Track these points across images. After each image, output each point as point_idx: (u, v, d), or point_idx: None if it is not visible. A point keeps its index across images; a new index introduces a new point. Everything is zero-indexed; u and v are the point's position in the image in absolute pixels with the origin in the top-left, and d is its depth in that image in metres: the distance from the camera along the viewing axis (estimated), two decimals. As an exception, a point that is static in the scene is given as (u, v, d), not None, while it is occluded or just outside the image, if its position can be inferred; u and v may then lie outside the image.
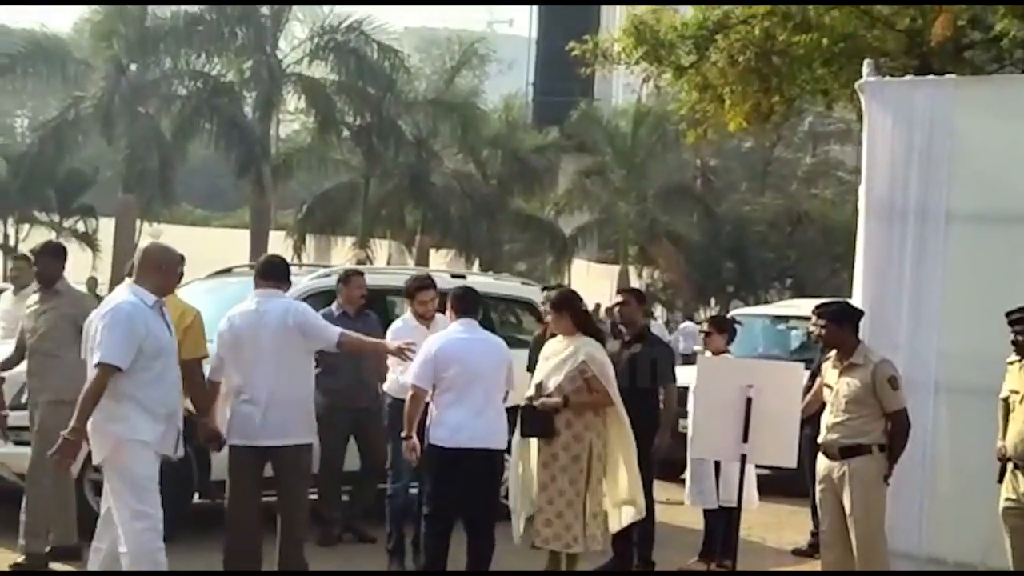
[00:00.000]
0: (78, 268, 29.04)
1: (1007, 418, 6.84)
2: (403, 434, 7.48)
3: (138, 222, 36.53)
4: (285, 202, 41.73)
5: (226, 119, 34.21)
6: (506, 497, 8.87)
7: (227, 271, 11.20)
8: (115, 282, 20.79)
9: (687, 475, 9.22)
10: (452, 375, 7.37)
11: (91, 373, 6.19)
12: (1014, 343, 6.70)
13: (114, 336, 6.18)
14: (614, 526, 8.02)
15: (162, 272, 6.63)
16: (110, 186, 37.76)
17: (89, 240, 37.85)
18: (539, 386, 7.83)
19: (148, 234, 37.93)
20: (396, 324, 8.84)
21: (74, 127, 34.24)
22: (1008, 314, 6.67)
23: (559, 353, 7.94)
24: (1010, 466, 6.69)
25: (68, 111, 34.50)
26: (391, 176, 36.42)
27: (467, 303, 7.76)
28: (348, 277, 9.46)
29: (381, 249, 37.41)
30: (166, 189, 35.39)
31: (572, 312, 8.01)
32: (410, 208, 37.25)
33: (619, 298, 9.17)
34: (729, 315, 13.69)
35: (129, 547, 6.20)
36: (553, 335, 8.23)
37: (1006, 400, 6.87)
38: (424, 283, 8.79)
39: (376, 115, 35.01)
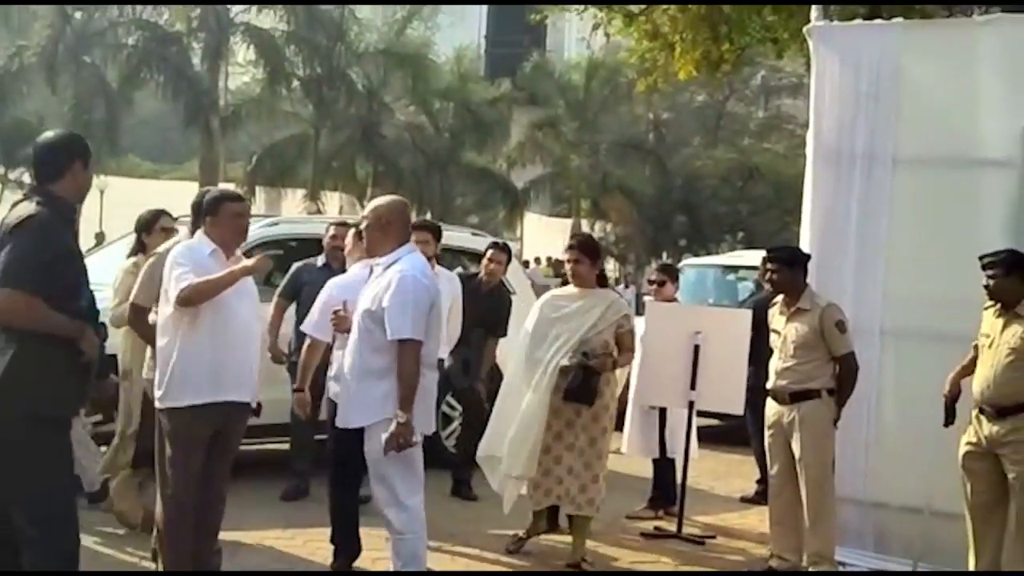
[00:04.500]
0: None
1: (974, 362, 6.76)
2: (294, 386, 7.09)
3: (85, 174, 36.07)
4: (234, 154, 41.44)
5: (173, 69, 33.94)
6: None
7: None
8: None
9: (626, 424, 9.06)
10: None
11: None
12: (985, 287, 6.61)
13: None
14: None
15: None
16: (56, 137, 37.26)
17: (35, 192, 37.38)
18: (584, 345, 7.28)
19: (95, 186, 37.47)
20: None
21: (18, 77, 33.84)
22: (981, 258, 6.59)
23: (572, 305, 7.46)
24: (974, 411, 6.62)
25: (11, 61, 34.01)
26: (342, 128, 36.25)
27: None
28: (330, 229, 9.08)
29: (332, 201, 37.22)
30: (113, 140, 35.06)
31: (599, 261, 7.65)
32: (361, 160, 37.12)
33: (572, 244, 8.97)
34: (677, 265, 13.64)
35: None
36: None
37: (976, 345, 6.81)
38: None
39: (326, 66, 34.83)
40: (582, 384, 7.23)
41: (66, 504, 4.96)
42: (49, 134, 5.24)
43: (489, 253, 9.36)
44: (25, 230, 4.78)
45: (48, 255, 4.82)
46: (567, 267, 7.64)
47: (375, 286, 5.89)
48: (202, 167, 35.70)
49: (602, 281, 7.61)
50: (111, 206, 36.89)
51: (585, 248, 7.56)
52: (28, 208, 4.88)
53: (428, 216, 35.00)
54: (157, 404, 5.89)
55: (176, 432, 5.86)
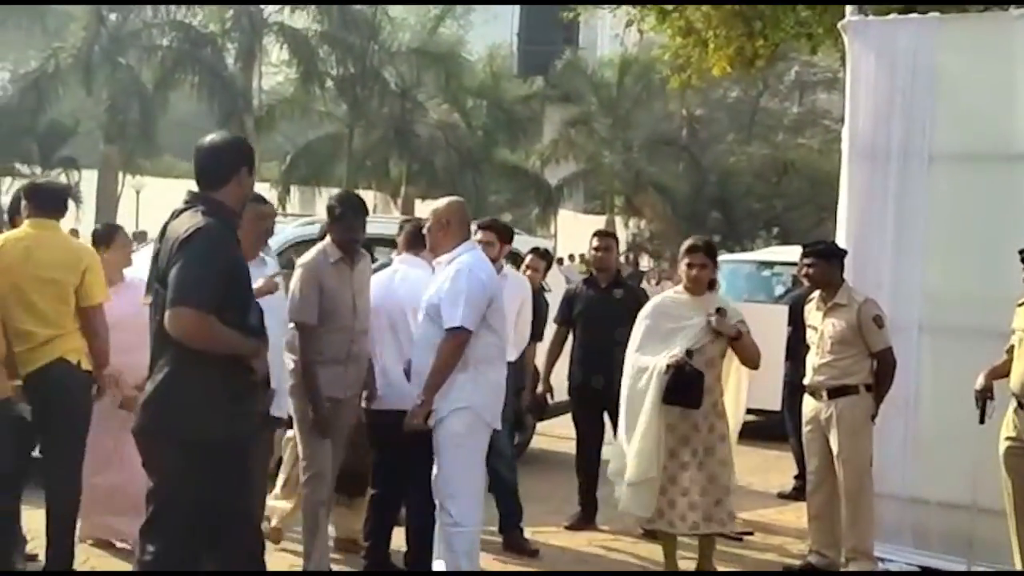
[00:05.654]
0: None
1: (1008, 362, 6.63)
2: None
3: (120, 174, 36.35)
4: (269, 154, 41.56)
5: (208, 70, 34.13)
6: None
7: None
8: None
9: None
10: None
11: None
12: None
13: None
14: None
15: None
16: (92, 138, 37.55)
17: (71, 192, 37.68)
18: (688, 352, 6.73)
19: (131, 186, 37.75)
20: None
21: (54, 78, 34.09)
22: (1022, 251, 6.53)
23: (693, 317, 6.89)
24: (1012, 404, 6.52)
25: (48, 62, 34.31)
26: (375, 127, 36.35)
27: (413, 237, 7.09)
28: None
29: (366, 200, 37.25)
30: (148, 141, 35.29)
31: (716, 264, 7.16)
32: (395, 159, 37.18)
33: (598, 242, 8.71)
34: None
35: None
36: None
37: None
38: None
39: (360, 65, 34.92)
40: (683, 383, 6.68)
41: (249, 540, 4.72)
42: (215, 138, 4.84)
43: (528, 259, 9.29)
44: (195, 244, 4.46)
45: (221, 270, 4.52)
46: (691, 272, 6.98)
47: (437, 282, 6.14)
48: (237, 167, 35.89)
49: (711, 283, 7.10)
50: (147, 206, 37.14)
51: (712, 252, 7.08)
52: (194, 219, 4.55)
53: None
54: None
55: None
